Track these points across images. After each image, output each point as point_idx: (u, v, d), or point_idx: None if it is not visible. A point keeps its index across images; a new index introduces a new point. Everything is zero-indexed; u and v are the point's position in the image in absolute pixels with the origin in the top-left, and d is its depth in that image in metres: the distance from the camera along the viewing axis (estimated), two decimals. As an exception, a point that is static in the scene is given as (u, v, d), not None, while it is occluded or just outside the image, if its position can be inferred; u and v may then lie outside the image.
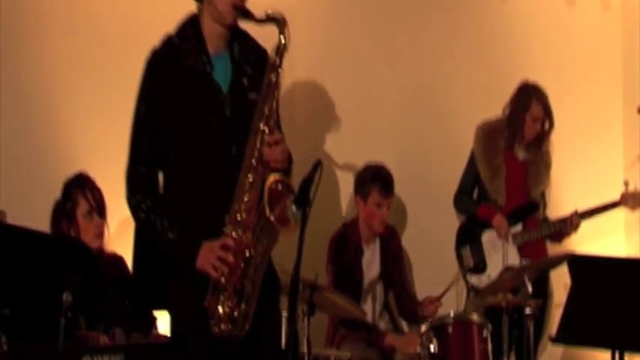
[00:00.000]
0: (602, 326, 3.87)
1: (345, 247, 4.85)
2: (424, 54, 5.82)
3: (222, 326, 2.99)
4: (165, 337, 3.98)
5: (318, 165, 3.00)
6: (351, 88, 5.57)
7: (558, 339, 4.04)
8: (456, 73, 5.86)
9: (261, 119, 3.03)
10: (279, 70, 3.06)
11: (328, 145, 5.25)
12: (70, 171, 4.42)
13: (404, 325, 5.07)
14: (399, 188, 5.10)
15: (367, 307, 4.81)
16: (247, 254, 3.00)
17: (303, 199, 2.96)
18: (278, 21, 3.06)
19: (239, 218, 3.01)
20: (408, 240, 5.27)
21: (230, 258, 2.97)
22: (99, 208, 4.32)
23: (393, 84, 5.72)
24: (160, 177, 3.15)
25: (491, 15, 6.00)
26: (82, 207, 4.28)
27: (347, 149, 5.41)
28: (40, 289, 3.18)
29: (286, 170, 3.08)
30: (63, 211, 4.29)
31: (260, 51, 3.21)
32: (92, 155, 4.82)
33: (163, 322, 4.03)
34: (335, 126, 5.42)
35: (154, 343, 3.89)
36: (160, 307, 3.29)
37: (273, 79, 3.05)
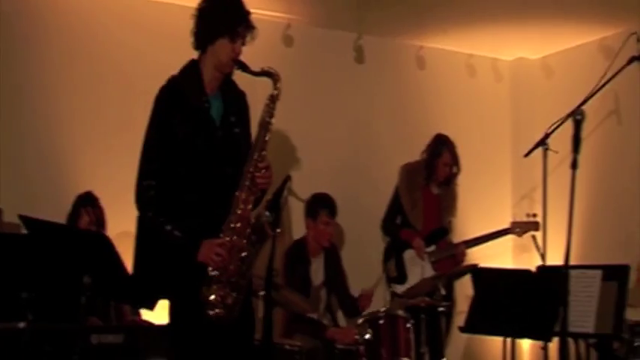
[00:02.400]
0: (497, 319, 4.05)
1: (296, 259, 4.84)
2: (358, 112, 6.01)
3: (217, 310, 2.99)
4: (149, 322, 4.07)
5: (287, 179, 3.10)
6: (303, 135, 5.67)
7: (465, 329, 4.23)
8: (384, 127, 6.08)
9: (256, 150, 3.07)
10: (273, 113, 3.09)
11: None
12: (79, 190, 4.44)
13: (342, 322, 5.09)
14: (339, 215, 5.10)
15: (313, 307, 4.79)
16: (243, 255, 3.02)
17: (274, 206, 3.04)
18: (273, 75, 3.10)
19: (233, 226, 3.03)
20: (346, 254, 5.33)
21: (225, 254, 2.99)
22: (98, 222, 4.32)
23: (333, 136, 5.87)
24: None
25: (411, 82, 6.26)
26: (84, 219, 4.29)
27: (300, 184, 5.42)
28: (62, 274, 3.18)
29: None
30: (70, 222, 4.28)
31: (241, 93, 3.26)
32: (98, 177, 4.81)
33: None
34: (290, 164, 5.51)
35: (148, 325, 3.91)
36: (160, 297, 3.26)
37: (267, 119, 3.09)
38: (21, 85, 4.89)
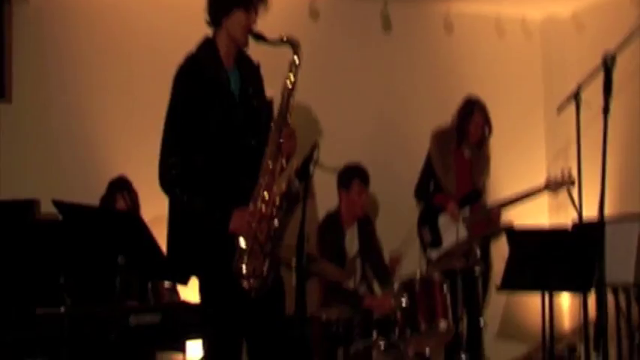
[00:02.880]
0: (534, 275, 4.02)
1: (330, 230, 4.79)
2: (388, 80, 5.92)
3: (251, 281, 2.97)
4: (187, 301, 4.04)
5: (315, 146, 3.00)
6: (333, 107, 5.62)
7: (502, 287, 4.19)
8: (413, 91, 5.99)
9: (280, 117, 3.04)
10: (295, 80, 3.04)
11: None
12: (112, 174, 4.45)
13: (378, 291, 5.03)
14: (372, 184, 5.04)
15: (349, 278, 4.78)
16: (273, 222, 2.99)
17: (305, 174, 2.97)
18: (293, 43, 3.04)
19: (262, 195, 3.00)
20: (380, 224, 5.29)
21: (256, 223, 2.97)
22: (133, 206, 4.31)
23: (364, 106, 5.80)
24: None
25: (439, 45, 6.15)
26: (120, 204, 4.27)
27: (330, 155, 5.46)
28: (97, 256, 3.21)
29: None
30: (105, 205, 4.25)
31: (255, 66, 3.24)
32: (131, 162, 4.81)
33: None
34: (321, 136, 5.46)
35: (185, 304, 3.91)
36: (193, 272, 3.22)
37: (289, 87, 3.05)
38: (53, 70, 4.94)
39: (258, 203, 3.00)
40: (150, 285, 4.10)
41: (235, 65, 3.16)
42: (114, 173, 4.49)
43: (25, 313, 3.37)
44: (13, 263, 3.47)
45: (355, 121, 5.73)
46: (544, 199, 5.67)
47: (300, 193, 3.00)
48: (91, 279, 3.37)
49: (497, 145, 5.48)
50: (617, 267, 3.87)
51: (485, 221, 5.22)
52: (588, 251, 3.80)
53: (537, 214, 5.79)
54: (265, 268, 3.00)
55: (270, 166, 3.03)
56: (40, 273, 3.37)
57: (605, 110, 3.26)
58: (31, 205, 4.09)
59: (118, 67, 5.11)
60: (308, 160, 2.99)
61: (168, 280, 3.94)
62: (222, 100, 3.08)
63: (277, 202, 3.01)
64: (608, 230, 3.94)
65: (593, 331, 3.80)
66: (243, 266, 2.98)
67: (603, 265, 3.41)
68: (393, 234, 5.33)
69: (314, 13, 5.71)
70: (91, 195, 4.34)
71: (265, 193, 3.02)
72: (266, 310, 3.09)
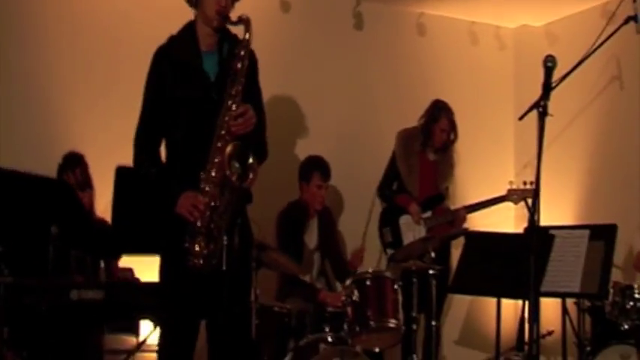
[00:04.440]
0: (483, 279, 4.02)
1: (290, 221, 4.77)
2: (357, 78, 5.89)
3: (196, 261, 2.99)
4: (136, 279, 4.03)
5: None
6: (299, 102, 5.59)
7: (451, 289, 4.17)
8: (382, 89, 5.96)
9: (229, 98, 3.04)
10: (244, 59, 3.05)
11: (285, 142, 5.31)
12: (67, 148, 4.37)
13: (337, 287, 4.97)
14: (336, 180, 5.11)
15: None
16: (213, 204, 3.00)
17: (242, 157, 2.97)
18: (245, 21, 3.07)
19: (210, 175, 3.01)
20: (343, 220, 5.27)
21: (201, 205, 2.98)
22: (84, 182, 4.20)
23: (332, 102, 5.76)
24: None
25: (411, 49, 6.13)
26: (70, 181, 4.13)
27: (296, 147, 5.44)
28: (31, 225, 3.12)
29: (254, 132, 3.08)
30: None
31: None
32: (90, 139, 4.73)
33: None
34: (287, 128, 5.47)
35: (131, 283, 3.87)
36: (142, 251, 3.25)
37: (239, 66, 3.05)
38: (8, 46, 4.84)
39: (207, 183, 3.02)
40: (102, 262, 4.00)
41: (217, 47, 3.18)
42: (69, 147, 4.40)
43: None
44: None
45: (322, 115, 5.67)
46: (510, 210, 5.62)
47: (236, 177, 2.98)
48: (29, 250, 3.28)
49: (464, 152, 5.49)
50: (564, 275, 3.87)
51: (447, 224, 5.21)
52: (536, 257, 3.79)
53: (503, 224, 5.70)
54: (208, 250, 3.00)
55: (219, 146, 3.03)
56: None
57: (544, 113, 3.24)
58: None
59: (76, 40, 5.00)
60: (247, 145, 3.00)
61: (97, 255, 3.87)
62: (192, 79, 3.12)
63: (220, 183, 3.01)
64: (559, 236, 3.97)
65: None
66: (195, 246, 3.00)
67: (544, 273, 3.44)
68: (356, 230, 5.29)
69: (285, 5, 5.66)
70: (44, 167, 4.16)
71: (214, 173, 3.02)
72: (227, 293, 3.03)
